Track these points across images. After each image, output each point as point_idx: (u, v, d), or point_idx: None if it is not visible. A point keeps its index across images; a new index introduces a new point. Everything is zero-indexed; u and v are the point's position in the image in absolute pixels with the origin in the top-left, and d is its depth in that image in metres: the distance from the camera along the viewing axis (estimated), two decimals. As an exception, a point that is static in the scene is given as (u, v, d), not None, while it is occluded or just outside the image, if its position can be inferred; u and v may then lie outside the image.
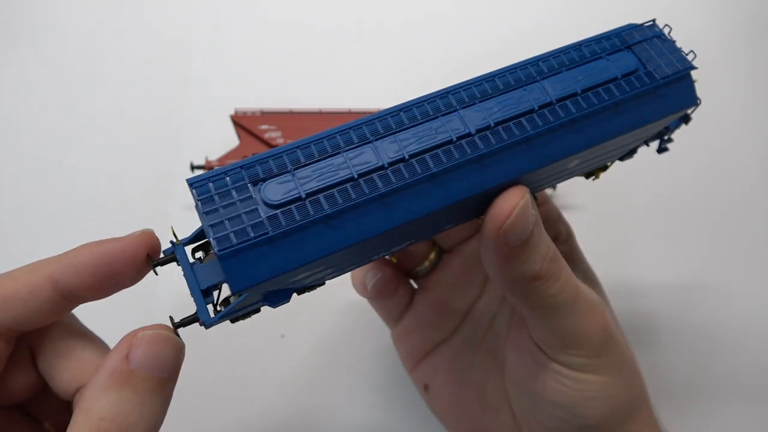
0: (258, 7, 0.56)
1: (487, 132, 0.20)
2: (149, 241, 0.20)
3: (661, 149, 0.27)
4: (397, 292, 0.31)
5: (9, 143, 0.47)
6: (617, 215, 0.43)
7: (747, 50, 0.51)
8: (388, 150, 0.19)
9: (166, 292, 0.36)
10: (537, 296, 0.22)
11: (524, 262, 0.21)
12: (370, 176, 0.19)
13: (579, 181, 0.30)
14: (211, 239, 0.17)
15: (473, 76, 0.22)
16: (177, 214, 0.43)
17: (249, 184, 0.18)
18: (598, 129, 0.21)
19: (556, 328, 0.23)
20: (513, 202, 0.20)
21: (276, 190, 0.18)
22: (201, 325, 0.19)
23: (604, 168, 0.28)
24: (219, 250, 0.17)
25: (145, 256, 0.20)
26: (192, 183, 0.18)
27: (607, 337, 0.24)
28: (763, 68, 0.50)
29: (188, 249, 0.20)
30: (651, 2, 0.53)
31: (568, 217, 0.30)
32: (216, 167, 0.41)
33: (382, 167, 0.19)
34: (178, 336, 0.20)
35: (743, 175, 0.45)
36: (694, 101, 0.23)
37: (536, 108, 0.21)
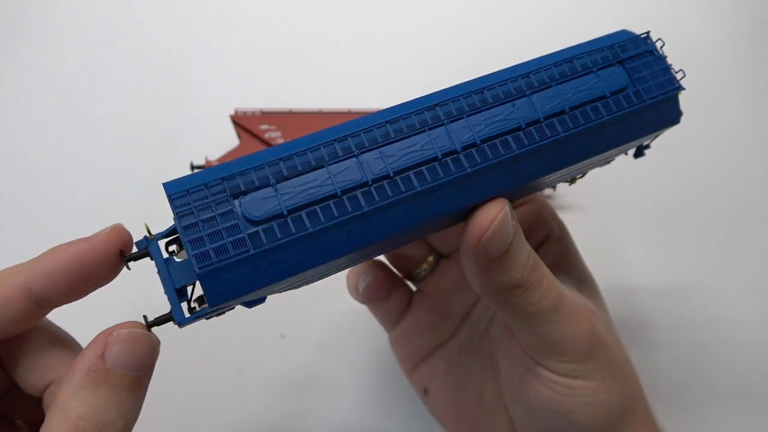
0: (258, 7, 0.56)
1: (473, 150, 0.20)
2: (120, 237, 0.20)
3: (638, 154, 0.27)
4: (391, 296, 0.31)
5: (9, 143, 0.47)
6: (616, 216, 0.43)
7: (747, 51, 0.51)
8: (372, 165, 0.19)
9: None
10: (517, 304, 0.22)
11: (504, 272, 0.21)
12: (353, 193, 0.18)
13: (577, 182, 0.30)
14: (189, 255, 0.17)
15: (465, 80, 0.21)
16: (177, 214, 0.43)
17: (230, 197, 0.18)
18: (582, 148, 0.21)
19: (539, 335, 0.23)
20: (492, 214, 0.20)
21: (257, 205, 0.18)
22: (175, 324, 0.19)
23: (582, 175, 0.28)
24: (199, 268, 0.17)
25: (118, 253, 0.19)
26: (171, 195, 0.18)
27: (594, 342, 0.24)
28: (763, 69, 0.50)
29: (161, 243, 0.20)
30: (651, 3, 0.53)
31: (566, 217, 0.30)
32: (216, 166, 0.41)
33: (366, 184, 0.19)
34: (153, 334, 0.19)
35: (742, 177, 0.45)
36: (677, 120, 0.23)
37: (523, 126, 0.20)
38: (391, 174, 0.19)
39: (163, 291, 0.19)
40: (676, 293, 0.40)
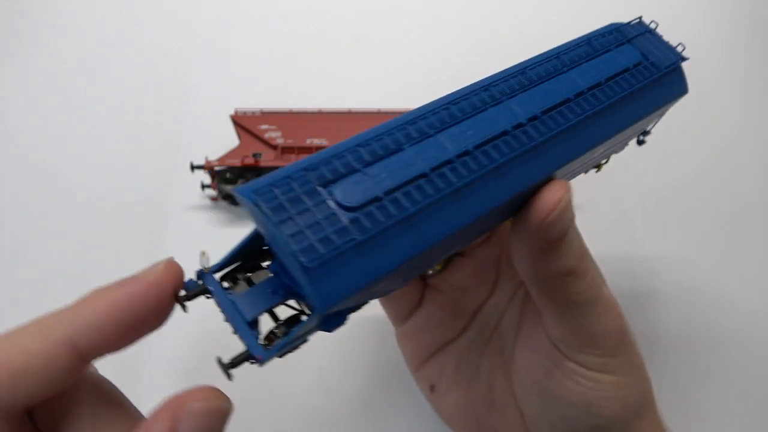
0: (258, 8, 0.56)
1: (536, 121, 0.21)
2: (175, 275, 0.17)
3: (640, 142, 0.29)
4: (410, 285, 0.31)
5: (9, 143, 0.47)
6: (617, 213, 0.43)
7: (746, 51, 0.51)
8: (451, 143, 0.19)
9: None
10: (565, 292, 0.23)
11: (560, 257, 0.22)
12: (441, 170, 0.18)
13: (578, 180, 0.30)
14: (294, 250, 0.16)
15: (496, 71, 0.22)
16: (177, 214, 0.43)
17: (318, 187, 0.17)
18: (621, 115, 0.23)
19: (577, 327, 0.24)
20: (559, 195, 0.21)
21: (352, 191, 0.17)
22: (254, 362, 0.17)
23: (606, 161, 0.30)
24: (308, 261, 0.16)
25: (173, 294, 0.17)
26: (255, 190, 0.16)
27: (623, 337, 0.25)
28: (763, 69, 0.50)
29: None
30: (651, 3, 0.53)
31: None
32: (216, 167, 0.41)
33: (450, 161, 0.19)
34: (226, 400, 0.17)
35: (742, 175, 0.45)
36: (686, 89, 0.25)
37: (572, 97, 0.22)
38: (472, 149, 0.19)
39: (232, 331, 0.18)
40: (678, 289, 0.40)
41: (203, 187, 0.42)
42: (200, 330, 0.35)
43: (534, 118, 0.21)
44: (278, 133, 0.43)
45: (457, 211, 0.18)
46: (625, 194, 0.44)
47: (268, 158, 0.42)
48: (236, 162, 0.41)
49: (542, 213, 0.20)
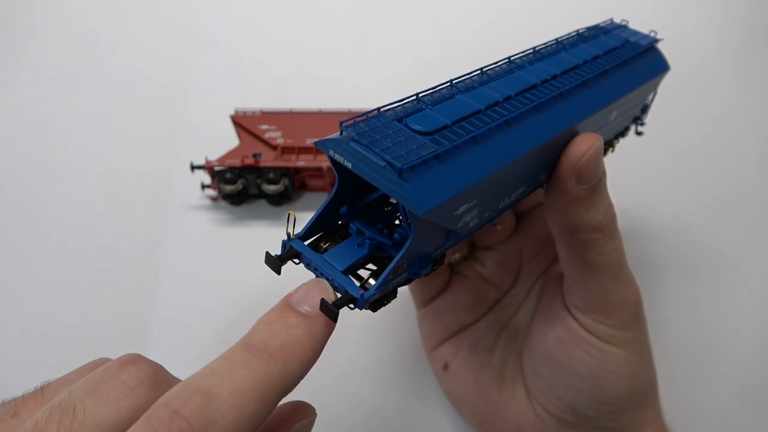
0: (258, 9, 0.56)
1: (556, 80, 0.24)
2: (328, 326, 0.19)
3: (639, 133, 0.34)
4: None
5: (9, 144, 0.47)
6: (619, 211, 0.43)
7: (744, 48, 0.51)
8: (493, 92, 0.22)
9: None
10: (592, 250, 0.24)
11: (589, 209, 0.23)
12: (492, 108, 0.21)
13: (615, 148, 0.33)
14: (387, 160, 0.18)
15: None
16: (177, 214, 0.43)
17: (395, 122, 0.20)
18: (622, 78, 0.27)
19: (598, 290, 0.25)
20: (590, 142, 0.23)
21: (424, 121, 0.20)
22: (352, 307, 0.19)
23: (617, 140, 0.33)
24: (401, 165, 0.17)
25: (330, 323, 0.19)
26: (342, 129, 0.19)
27: (638, 312, 0.26)
28: (759, 65, 0.50)
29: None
30: (652, 3, 0.53)
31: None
32: (216, 167, 0.41)
33: (498, 102, 0.22)
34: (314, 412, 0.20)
35: (741, 170, 0.45)
36: (668, 67, 0.30)
37: (581, 63, 0.25)
38: (513, 95, 0.22)
39: (329, 284, 0.19)
40: (684, 283, 0.40)
41: (203, 187, 0.42)
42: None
43: (554, 76, 0.24)
44: (278, 133, 0.43)
45: (513, 139, 0.21)
46: (625, 191, 0.44)
47: (268, 158, 0.42)
48: (236, 162, 0.41)
49: (573, 159, 0.22)
